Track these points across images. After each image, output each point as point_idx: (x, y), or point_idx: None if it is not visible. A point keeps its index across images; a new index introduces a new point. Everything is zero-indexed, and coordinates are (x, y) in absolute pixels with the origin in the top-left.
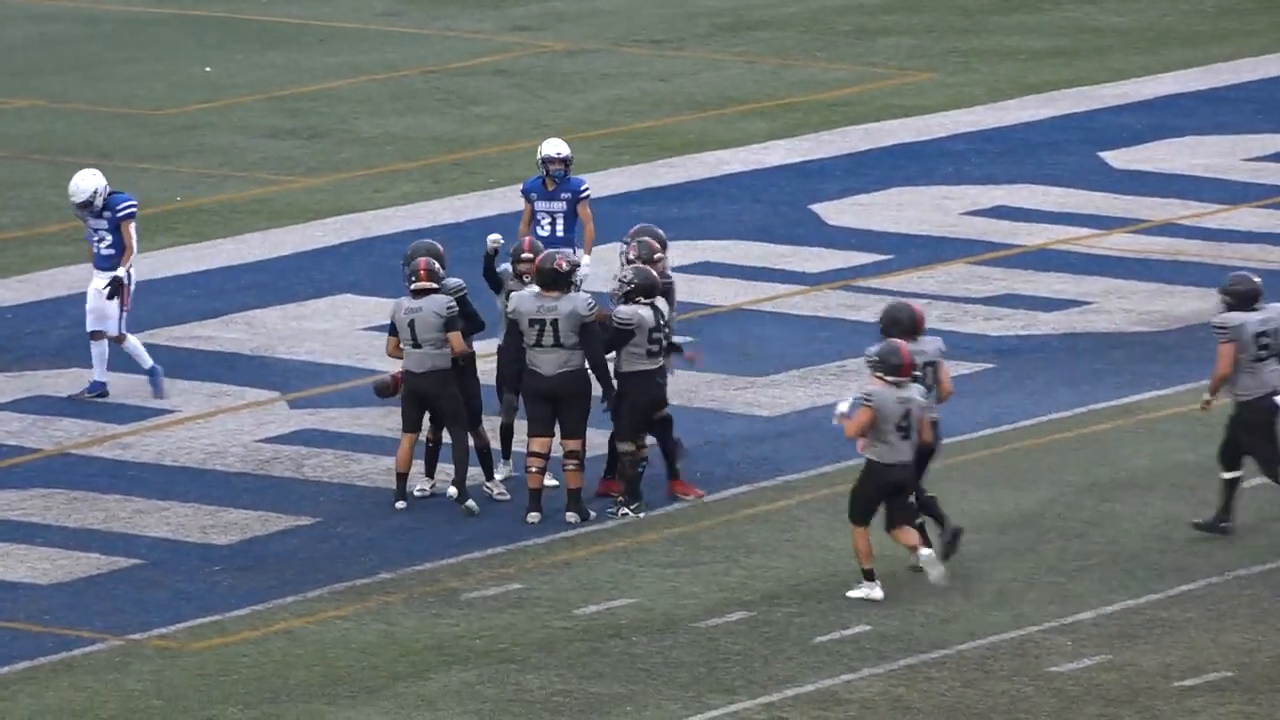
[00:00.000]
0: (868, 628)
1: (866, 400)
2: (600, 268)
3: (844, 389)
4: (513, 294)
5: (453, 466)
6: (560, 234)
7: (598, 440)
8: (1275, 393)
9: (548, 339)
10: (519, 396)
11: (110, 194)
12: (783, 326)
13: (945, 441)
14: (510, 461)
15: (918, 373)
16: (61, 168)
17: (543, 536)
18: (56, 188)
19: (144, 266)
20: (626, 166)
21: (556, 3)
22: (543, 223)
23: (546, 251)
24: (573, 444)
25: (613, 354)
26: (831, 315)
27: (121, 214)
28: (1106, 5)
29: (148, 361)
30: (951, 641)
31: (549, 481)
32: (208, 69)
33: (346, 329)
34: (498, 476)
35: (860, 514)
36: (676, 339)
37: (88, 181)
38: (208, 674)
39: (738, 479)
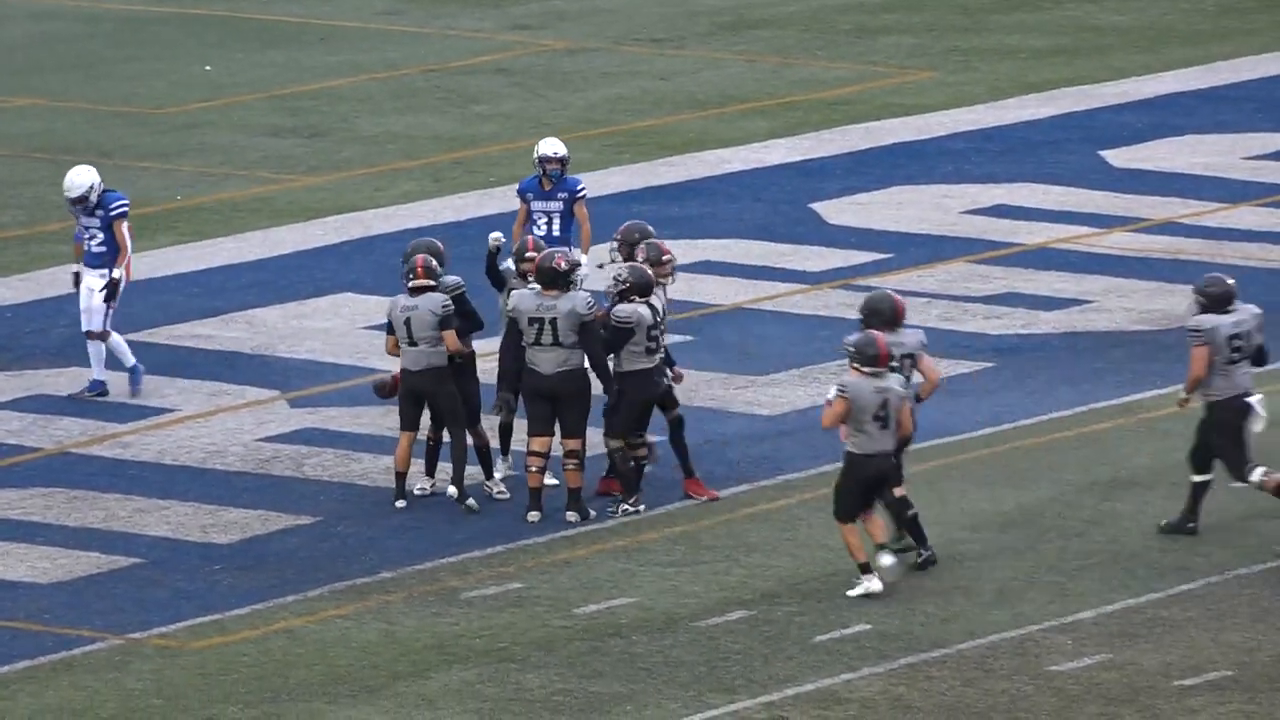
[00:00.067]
0: (868, 627)
1: (841, 390)
2: (599, 268)
3: None
4: (513, 292)
5: (452, 466)
6: (556, 234)
7: (598, 440)
8: (1247, 394)
9: (546, 338)
10: (517, 397)
11: (103, 192)
12: (783, 325)
13: (945, 441)
14: (509, 459)
15: (895, 364)
16: (62, 166)
17: (543, 535)
18: (57, 186)
19: (144, 265)
20: (627, 165)
21: (557, 1)
22: (539, 222)
23: (547, 250)
24: (573, 444)
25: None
26: (832, 314)
27: (114, 213)
28: (1107, 4)
29: (130, 360)
30: (952, 640)
31: (549, 481)
32: (208, 68)
33: (347, 328)
34: (497, 475)
35: (845, 510)
36: (672, 337)
37: (83, 177)
38: (208, 673)
39: (738, 478)
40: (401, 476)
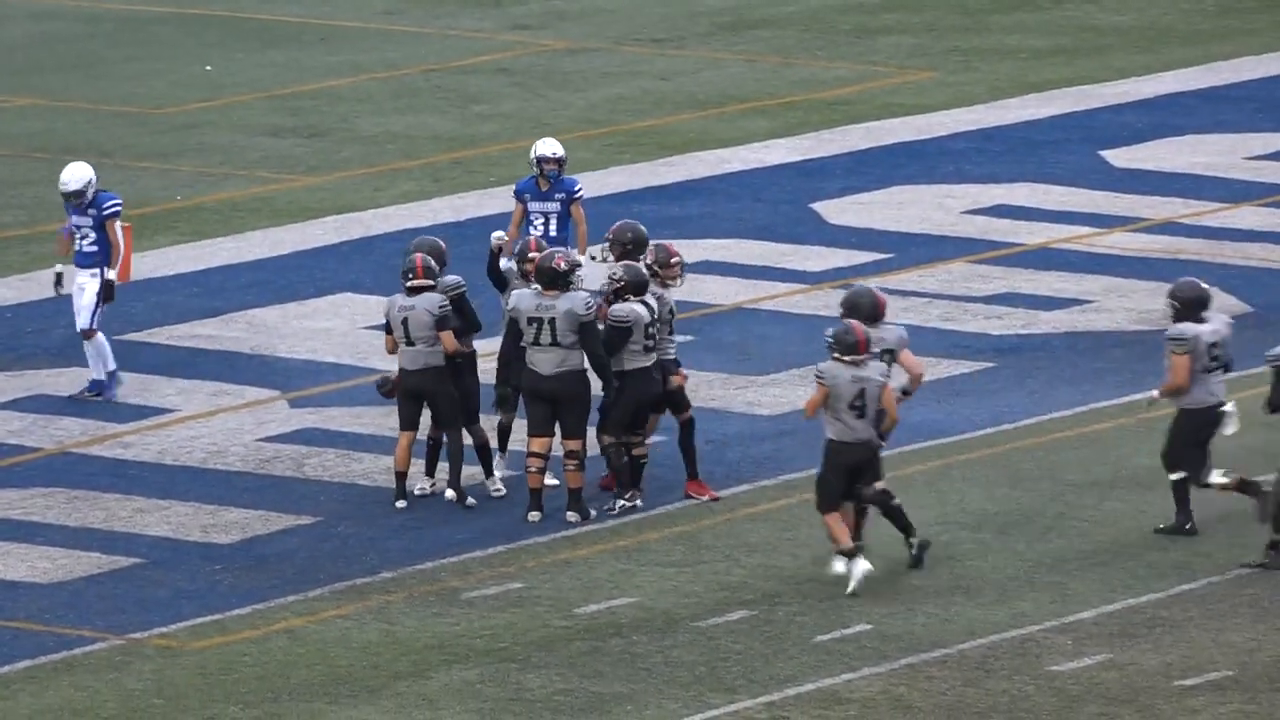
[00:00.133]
0: (868, 627)
1: (819, 376)
2: (597, 268)
3: None
4: (513, 292)
5: (449, 467)
6: (554, 234)
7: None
8: (1221, 404)
9: (545, 338)
10: (518, 395)
11: (97, 191)
12: (783, 325)
13: (945, 441)
14: (506, 456)
15: (878, 356)
16: (62, 166)
17: (543, 535)
18: (57, 186)
19: (144, 265)
20: (627, 165)
21: (557, 1)
22: (536, 223)
23: (547, 250)
24: (573, 444)
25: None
26: (832, 314)
27: (106, 212)
28: (1107, 4)
29: (111, 364)
30: (952, 640)
31: (549, 481)
32: (208, 67)
33: (347, 328)
34: (496, 474)
35: (827, 501)
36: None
37: (80, 172)
38: (208, 673)
39: (738, 478)
40: (402, 476)
